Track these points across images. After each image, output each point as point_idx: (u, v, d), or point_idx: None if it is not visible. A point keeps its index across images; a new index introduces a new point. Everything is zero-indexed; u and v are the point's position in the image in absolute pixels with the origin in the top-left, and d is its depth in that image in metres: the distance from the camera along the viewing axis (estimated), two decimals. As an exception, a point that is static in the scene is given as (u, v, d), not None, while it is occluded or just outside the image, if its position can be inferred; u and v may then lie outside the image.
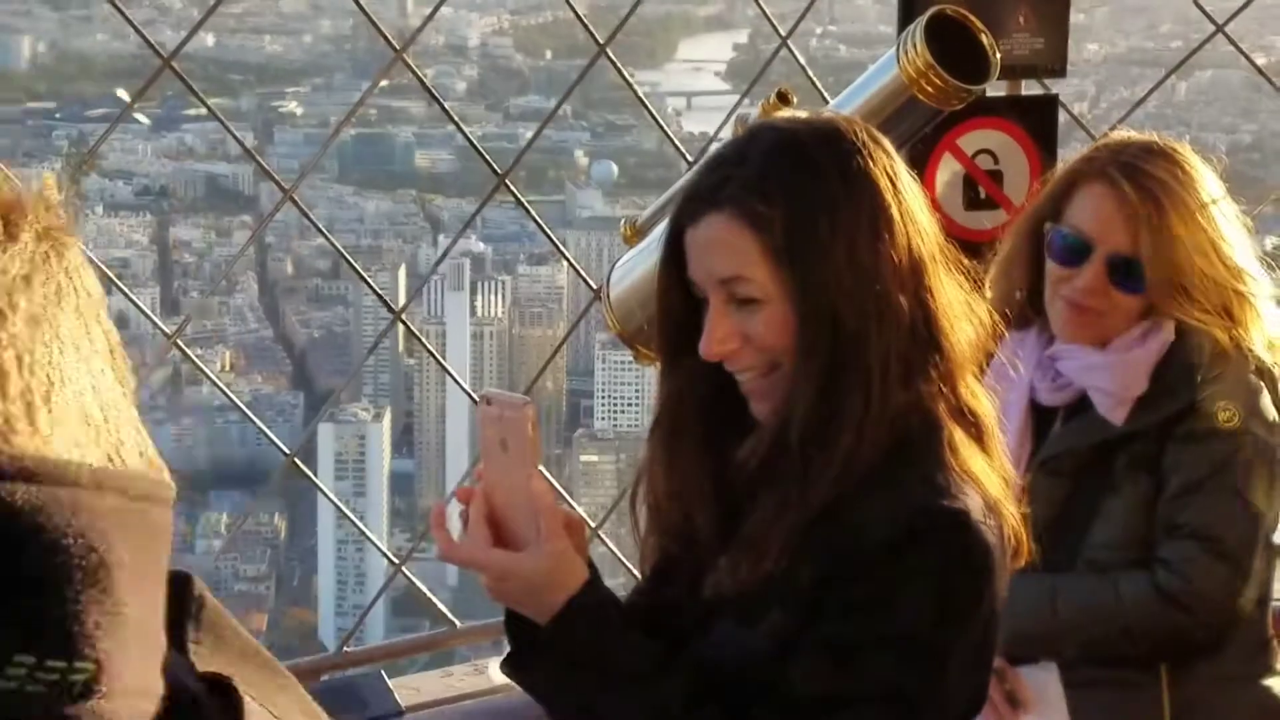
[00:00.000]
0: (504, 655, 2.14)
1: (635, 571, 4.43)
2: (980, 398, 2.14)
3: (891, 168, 2.10)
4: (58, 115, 47.98)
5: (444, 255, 28.76)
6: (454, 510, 2.19)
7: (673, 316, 2.16)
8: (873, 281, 2.04)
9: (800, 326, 2.06)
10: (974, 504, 2.03)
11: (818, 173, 2.06)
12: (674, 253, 2.14)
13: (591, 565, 2.09)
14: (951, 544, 2.01)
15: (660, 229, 3.11)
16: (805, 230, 2.04)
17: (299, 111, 48.46)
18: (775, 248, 2.05)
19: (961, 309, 2.13)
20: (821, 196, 2.05)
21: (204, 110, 4.33)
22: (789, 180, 2.06)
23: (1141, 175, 2.91)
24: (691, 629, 2.13)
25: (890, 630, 2.00)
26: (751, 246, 2.05)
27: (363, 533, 4.84)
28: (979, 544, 2.02)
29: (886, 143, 2.13)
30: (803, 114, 2.21)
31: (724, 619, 2.10)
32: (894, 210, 2.07)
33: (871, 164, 2.07)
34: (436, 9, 4.56)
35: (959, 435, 2.08)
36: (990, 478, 2.08)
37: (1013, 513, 2.10)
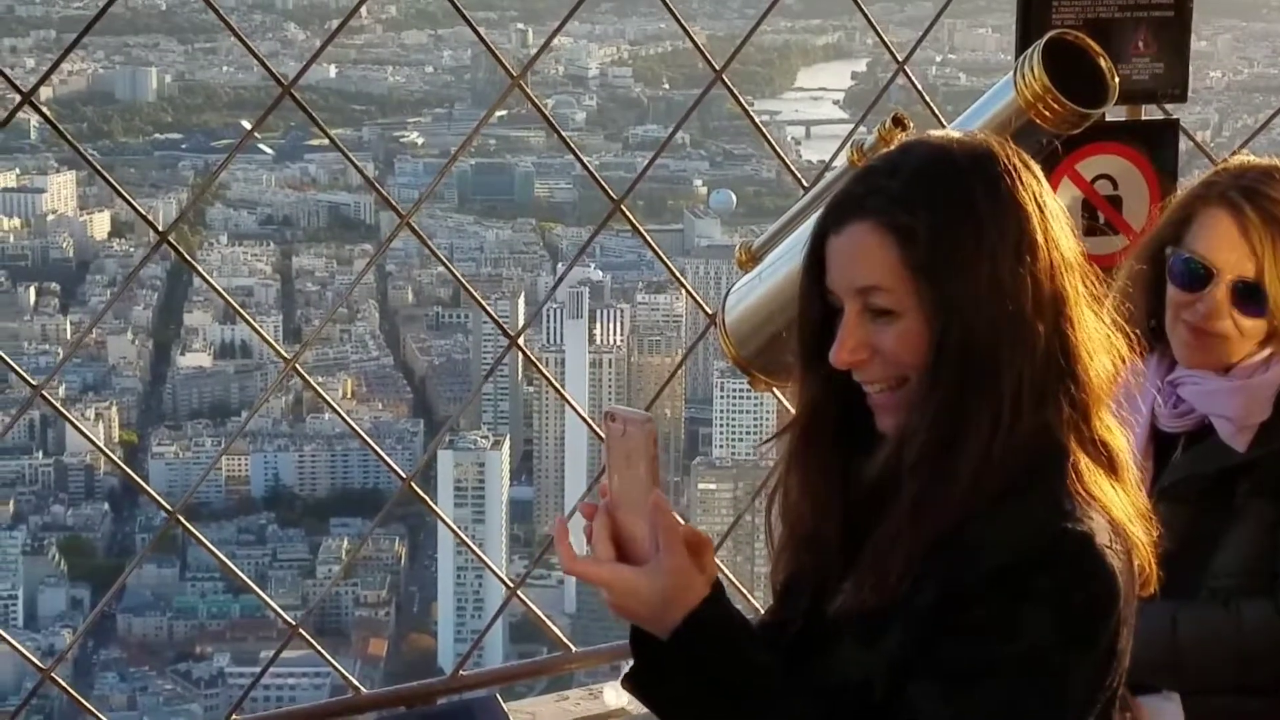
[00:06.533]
0: (625, 672, 2.13)
1: (750, 598, 4.43)
2: (1115, 432, 2.11)
3: (1040, 194, 2.08)
4: (184, 146, 48.70)
5: (560, 280, 28.74)
6: (578, 525, 2.19)
7: (810, 324, 2.15)
8: (1011, 304, 2.03)
9: (933, 343, 2.04)
10: (1099, 527, 2.01)
11: (966, 191, 2.05)
12: (815, 259, 2.13)
13: (717, 583, 2.09)
14: (1075, 567, 1.99)
15: (775, 254, 3.11)
16: (948, 246, 2.03)
17: (420, 141, 48.88)
18: (916, 261, 2.03)
19: (1102, 341, 2.11)
20: (968, 215, 2.04)
21: (326, 141, 4.38)
22: (937, 195, 2.05)
23: (1264, 199, 2.88)
24: (815, 646, 2.12)
25: (1011, 653, 1.97)
26: (892, 257, 2.04)
27: (478, 556, 4.86)
28: (1103, 568, 2.00)
29: (1037, 168, 2.11)
30: (956, 133, 2.19)
31: (847, 638, 2.09)
32: (1039, 236, 2.05)
33: (1021, 188, 2.06)
34: (552, 37, 4.59)
35: (1086, 463, 2.05)
36: (1118, 504, 2.06)
37: (1143, 540, 2.08)
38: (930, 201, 2.04)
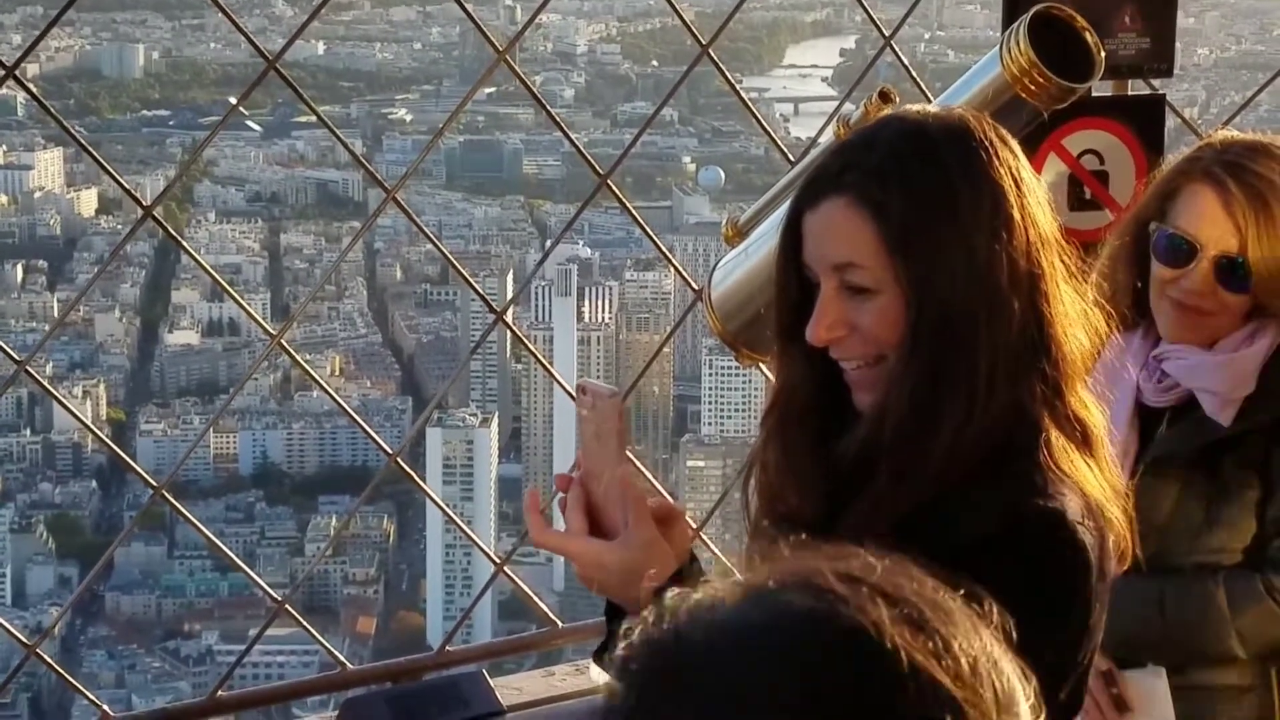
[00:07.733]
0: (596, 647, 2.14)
1: (739, 575, 4.44)
2: (1091, 408, 2.11)
3: (1017, 169, 2.08)
4: (171, 123, 48.56)
5: (546, 255, 28.53)
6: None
7: (788, 301, 2.15)
8: (987, 281, 2.02)
9: (908, 320, 2.04)
10: (1071, 505, 2.00)
11: (941, 166, 2.04)
12: (792, 236, 2.13)
13: (690, 556, 2.09)
14: (1046, 544, 1.99)
15: (761, 229, 3.11)
16: (923, 223, 2.02)
17: (408, 118, 48.75)
18: (891, 237, 2.03)
19: (1078, 317, 2.10)
20: (943, 190, 2.03)
21: (314, 117, 4.37)
22: (912, 171, 2.04)
23: (1247, 174, 2.88)
24: None
25: None
26: (867, 234, 2.04)
27: (466, 534, 4.85)
28: (1073, 544, 2.00)
29: (1014, 143, 2.11)
30: (933, 109, 2.19)
31: None
32: (1015, 211, 2.04)
33: (997, 163, 2.06)
34: (538, 12, 4.58)
35: (1060, 439, 2.05)
36: (1092, 481, 2.05)
37: (1118, 518, 2.08)
38: (905, 177, 2.03)
